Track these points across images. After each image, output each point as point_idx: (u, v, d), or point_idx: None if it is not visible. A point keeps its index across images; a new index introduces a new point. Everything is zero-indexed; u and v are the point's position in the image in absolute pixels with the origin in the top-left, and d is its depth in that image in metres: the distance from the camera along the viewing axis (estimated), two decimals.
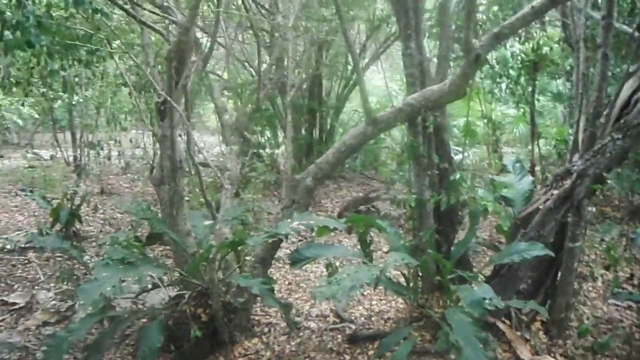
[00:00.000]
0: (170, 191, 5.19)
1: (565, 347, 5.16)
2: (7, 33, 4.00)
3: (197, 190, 6.14)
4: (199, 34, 6.82)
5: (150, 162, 12.51)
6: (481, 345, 3.89)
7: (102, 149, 13.40)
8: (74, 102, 13.01)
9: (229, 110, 7.26)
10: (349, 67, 13.20)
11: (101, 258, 5.07)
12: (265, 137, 13.21)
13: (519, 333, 5.03)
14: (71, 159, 14.69)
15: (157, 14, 5.28)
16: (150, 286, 5.39)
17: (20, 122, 17.89)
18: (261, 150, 12.64)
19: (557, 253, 5.05)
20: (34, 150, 15.47)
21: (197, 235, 5.64)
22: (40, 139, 18.99)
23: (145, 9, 5.45)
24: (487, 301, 4.02)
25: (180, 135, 6.61)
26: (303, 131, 13.25)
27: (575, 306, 5.50)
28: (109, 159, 14.09)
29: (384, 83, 15.24)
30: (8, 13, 4.09)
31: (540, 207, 5.05)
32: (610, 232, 8.10)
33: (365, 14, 11.66)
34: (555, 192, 5.00)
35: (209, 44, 5.99)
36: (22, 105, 15.55)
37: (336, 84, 13.98)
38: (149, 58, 5.24)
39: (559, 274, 5.26)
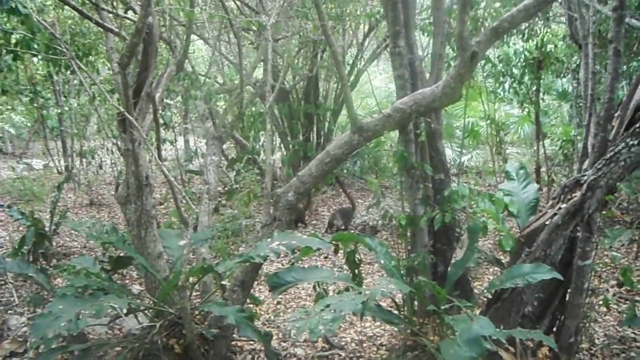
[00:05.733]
0: (137, 210, 4.71)
1: None
2: None
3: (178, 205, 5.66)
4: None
5: (115, 178, 12.01)
6: None
7: (92, 157, 12.86)
8: (59, 111, 12.62)
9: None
10: (347, 68, 12.65)
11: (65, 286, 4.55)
12: (260, 143, 12.70)
13: None
14: (63, 168, 14.31)
15: (118, 15, 4.81)
16: (125, 311, 4.91)
17: (12, 130, 17.60)
18: (256, 157, 12.12)
19: (566, 270, 4.52)
20: (24, 161, 14.99)
21: (170, 257, 5.18)
22: (35, 148, 18.63)
23: (109, 11, 4.98)
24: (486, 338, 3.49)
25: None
26: (301, 136, 12.73)
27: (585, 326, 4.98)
28: (100, 167, 13.58)
29: (385, 84, 14.77)
30: None
31: (547, 222, 4.51)
32: (619, 237, 7.62)
33: (359, 10, 11.06)
34: (564, 205, 4.44)
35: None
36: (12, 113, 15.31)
37: (333, 85, 13.44)
38: (114, 64, 4.75)
39: (568, 294, 4.71)
